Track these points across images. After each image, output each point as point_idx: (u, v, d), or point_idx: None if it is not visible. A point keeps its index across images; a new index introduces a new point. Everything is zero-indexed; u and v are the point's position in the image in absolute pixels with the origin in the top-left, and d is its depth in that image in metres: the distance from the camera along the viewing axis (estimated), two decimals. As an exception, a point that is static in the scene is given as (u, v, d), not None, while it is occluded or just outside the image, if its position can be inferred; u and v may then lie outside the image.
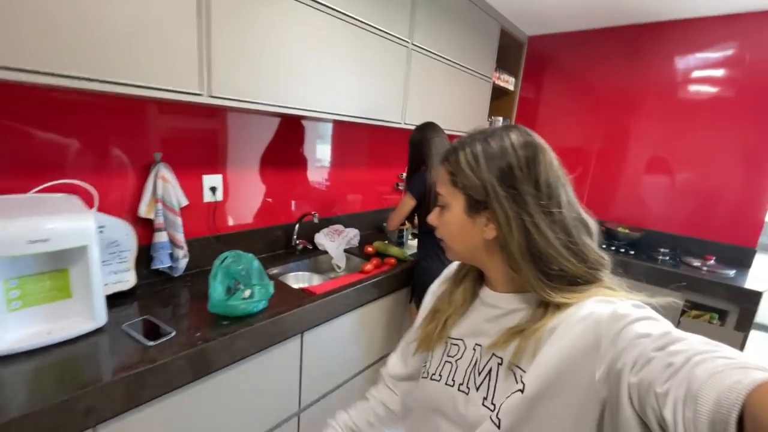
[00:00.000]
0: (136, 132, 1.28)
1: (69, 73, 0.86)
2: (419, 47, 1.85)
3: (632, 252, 2.42)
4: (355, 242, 1.99)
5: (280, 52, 1.27)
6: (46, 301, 0.95)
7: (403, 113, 1.87)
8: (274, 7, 1.22)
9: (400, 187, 2.44)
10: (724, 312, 2.09)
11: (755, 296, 1.98)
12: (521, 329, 0.54)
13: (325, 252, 1.85)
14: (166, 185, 1.31)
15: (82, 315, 0.99)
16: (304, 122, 1.80)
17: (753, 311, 1.99)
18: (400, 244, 2.03)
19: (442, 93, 2.12)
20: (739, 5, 2.16)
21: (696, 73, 2.42)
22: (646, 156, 2.62)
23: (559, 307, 0.52)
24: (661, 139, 2.56)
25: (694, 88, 2.43)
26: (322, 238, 1.86)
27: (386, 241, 2.01)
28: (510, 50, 2.78)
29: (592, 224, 0.58)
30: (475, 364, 0.59)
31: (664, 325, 0.44)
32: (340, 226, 1.97)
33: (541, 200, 0.54)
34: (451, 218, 0.60)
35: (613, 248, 2.49)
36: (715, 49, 2.35)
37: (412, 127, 1.93)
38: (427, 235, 1.71)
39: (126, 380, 0.86)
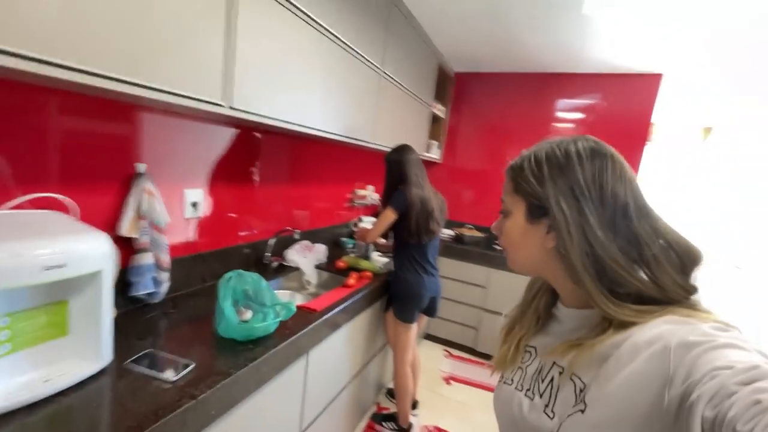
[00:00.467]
0: (115, 140, 1.09)
1: (101, 72, 0.73)
2: (388, 75, 1.95)
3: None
4: (324, 258, 1.95)
5: (288, 71, 1.24)
6: (39, 341, 0.76)
7: (373, 133, 1.94)
8: (286, 30, 1.20)
9: (355, 204, 2.47)
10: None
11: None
12: (579, 343, 0.52)
13: (296, 269, 1.78)
14: (151, 200, 1.14)
15: (82, 355, 0.81)
16: (270, 136, 1.72)
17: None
18: (367, 258, 2.06)
19: (400, 116, 2.24)
20: (604, 67, 2.77)
21: (568, 115, 3.03)
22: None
23: (624, 324, 0.48)
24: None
25: (565, 125, 3.04)
26: (294, 255, 1.79)
27: (352, 256, 2.02)
28: (442, 83, 3.07)
29: (683, 244, 0.50)
30: (540, 371, 0.58)
31: (752, 356, 0.37)
32: (308, 242, 1.91)
33: (605, 211, 0.50)
34: (512, 225, 0.58)
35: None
36: (583, 98, 2.98)
37: (380, 147, 2.01)
38: (404, 247, 1.79)
39: (170, 423, 0.74)
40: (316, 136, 1.52)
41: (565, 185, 0.52)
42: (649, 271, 0.49)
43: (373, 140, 1.95)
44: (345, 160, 2.35)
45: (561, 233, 0.52)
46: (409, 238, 1.74)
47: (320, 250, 1.93)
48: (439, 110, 3.04)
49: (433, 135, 3.11)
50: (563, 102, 3.05)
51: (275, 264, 1.72)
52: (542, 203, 0.54)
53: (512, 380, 0.62)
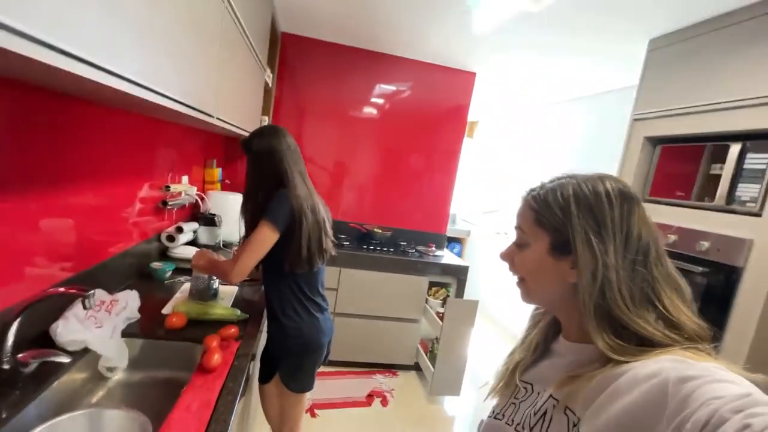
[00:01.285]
0: None
1: None
2: (233, 11, 1.20)
3: (390, 249, 2.72)
4: (136, 313, 1.10)
5: None
6: None
7: (216, 102, 1.18)
8: None
9: (170, 205, 1.56)
10: (448, 284, 2.75)
11: (464, 270, 2.73)
12: (578, 374, 0.50)
13: (85, 351, 0.91)
14: None
15: None
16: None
17: (465, 281, 2.74)
18: (213, 296, 1.30)
19: (240, 80, 1.50)
20: (435, 57, 2.79)
21: (396, 98, 2.93)
22: (382, 166, 2.99)
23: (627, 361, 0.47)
24: (389, 152, 2.99)
25: (391, 108, 2.98)
26: (74, 331, 0.89)
27: (189, 300, 1.24)
28: (270, 43, 2.36)
29: (685, 287, 0.52)
30: (534, 404, 0.56)
31: (745, 388, 0.37)
32: (101, 294, 1.02)
33: (628, 252, 0.50)
34: (532, 257, 0.56)
35: (372, 247, 2.70)
36: (411, 83, 2.92)
37: (219, 123, 1.27)
38: (285, 279, 1.19)
39: None
40: (115, 93, 0.72)
41: (593, 224, 0.51)
42: (666, 312, 0.48)
43: (216, 112, 1.20)
44: (143, 139, 1.42)
45: (585, 271, 0.50)
46: (296, 265, 1.16)
47: (128, 302, 1.07)
48: (269, 77, 2.35)
49: (264, 109, 2.40)
50: (393, 85, 2.91)
51: (31, 366, 0.80)
52: (567, 239, 0.52)
53: (503, 415, 0.60)
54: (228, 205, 2.07)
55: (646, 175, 1.95)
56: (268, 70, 2.29)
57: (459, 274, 2.71)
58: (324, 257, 1.23)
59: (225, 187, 2.41)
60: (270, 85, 2.44)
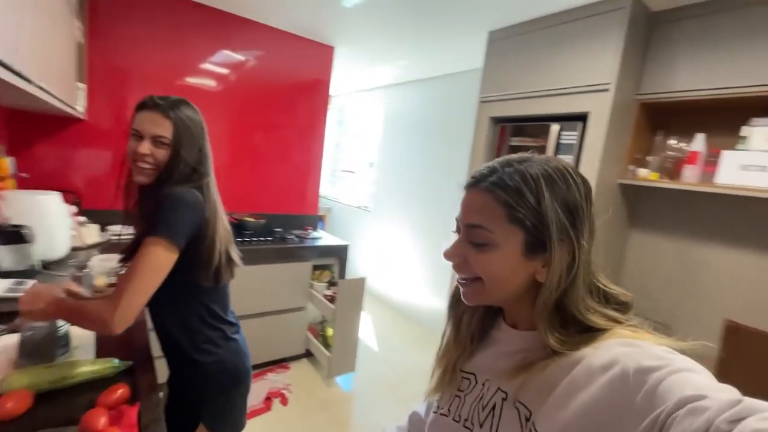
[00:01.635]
0: None
1: None
2: None
3: (267, 238, 2.44)
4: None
5: None
6: None
7: (30, 62, 0.74)
8: None
9: None
10: (331, 265, 2.68)
11: (345, 249, 2.70)
12: (529, 363, 0.47)
13: None
14: None
15: None
16: None
17: (346, 260, 2.71)
18: (65, 347, 0.87)
19: (53, 32, 1.00)
20: (289, 25, 2.52)
21: (249, 66, 2.56)
22: (242, 146, 2.62)
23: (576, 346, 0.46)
24: (247, 130, 2.62)
25: (239, 76, 2.65)
26: None
27: (22, 362, 0.80)
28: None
29: None
30: (481, 398, 0.52)
31: (716, 383, 0.35)
32: None
33: (590, 239, 0.47)
34: (502, 259, 0.47)
35: (247, 239, 2.38)
36: (264, 51, 2.56)
37: (36, 93, 0.83)
38: (191, 302, 0.89)
39: None
40: None
41: (570, 216, 0.45)
42: (604, 287, 0.48)
43: (36, 77, 0.76)
44: None
45: (557, 270, 0.45)
46: (203, 278, 0.88)
47: None
48: (79, 30, 1.68)
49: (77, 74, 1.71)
50: (246, 52, 2.51)
51: None
52: (549, 237, 0.45)
53: (449, 410, 0.55)
54: (37, 209, 1.43)
55: (492, 150, 2.27)
56: (79, 22, 1.63)
57: (340, 253, 2.67)
58: (232, 273, 0.99)
59: (23, 183, 1.66)
60: (81, 42, 1.75)
